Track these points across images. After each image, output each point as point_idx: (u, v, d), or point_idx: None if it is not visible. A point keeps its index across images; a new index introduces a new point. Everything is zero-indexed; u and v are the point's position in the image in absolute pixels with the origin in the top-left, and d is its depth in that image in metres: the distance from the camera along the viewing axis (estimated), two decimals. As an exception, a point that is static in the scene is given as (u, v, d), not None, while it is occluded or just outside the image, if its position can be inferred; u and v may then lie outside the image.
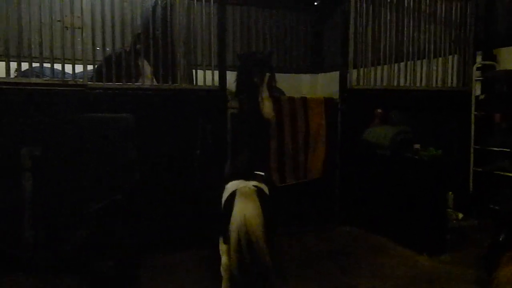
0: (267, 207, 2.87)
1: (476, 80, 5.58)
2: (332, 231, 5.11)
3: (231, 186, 2.95)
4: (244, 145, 3.48)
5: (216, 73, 4.63)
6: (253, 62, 3.56)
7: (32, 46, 3.99)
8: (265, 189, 2.98)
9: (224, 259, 2.94)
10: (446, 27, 5.55)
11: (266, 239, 2.77)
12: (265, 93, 3.43)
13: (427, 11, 5.47)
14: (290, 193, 4.91)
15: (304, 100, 5.05)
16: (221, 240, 2.99)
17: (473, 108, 5.51)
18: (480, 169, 5.43)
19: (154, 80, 4.53)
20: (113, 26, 4.28)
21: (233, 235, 2.75)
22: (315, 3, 8.37)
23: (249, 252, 2.73)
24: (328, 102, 5.17)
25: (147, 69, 4.47)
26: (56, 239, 3.89)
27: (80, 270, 3.76)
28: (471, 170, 5.53)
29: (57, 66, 4.21)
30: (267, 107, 3.40)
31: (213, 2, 4.57)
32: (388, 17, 5.27)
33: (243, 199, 2.80)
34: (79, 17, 4.15)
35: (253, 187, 2.90)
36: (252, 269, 2.77)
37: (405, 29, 5.38)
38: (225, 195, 2.93)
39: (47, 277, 3.80)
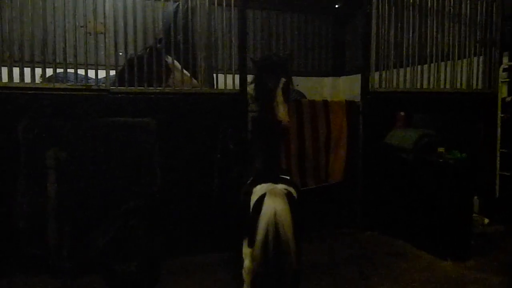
0: (296, 210, 2.84)
1: (502, 82, 5.45)
2: (353, 235, 5.05)
3: (260, 189, 2.92)
4: (259, 150, 3.49)
5: (237, 77, 4.63)
6: (268, 66, 3.53)
7: (57, 52, 4.07)
8: (294, 192, 2.97)
9: (247, 262, 2.91)
10: (470, 27, 5.43)
11: (295, 239, 2.74)
12: (279, 98, 3.38)
13: (451, 11, 5.37)
14: (311, 197, 4.87)
15: (325, 103, 5.02)
16: (245, 243, 2.96)
17: (499, 111, 5.37)
18: (507, 173, 5.29)
19: (186, 72, 4.53)
20: (135, 31, 4.33)
21: (261, 231, 2.69)
22: (336, 6, 8.31)
23: (275, 249, 2.67)
24: (349, 105, 5.12)
25: (177, 64, 4.48)
26: (79, 241, 3.94)
27: (102, 272, 3.82)
28: (497, 174, 5.39)
29: (81, 72, 4.30)
30: (281, 113, 3.35)
31: (234, 7, 4.58)
32: (411, 18, 5.19)
33: (273, 198, 2.77)
34: (102, 23, 4.21)
35: (283, 189, 2.88)
36: (277, 269, 2.73)
37: (428, 30, 5.28)
38: (254, 198, 2.91)
39: (69, 279, 3.86)
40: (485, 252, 4.44)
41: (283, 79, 3.42)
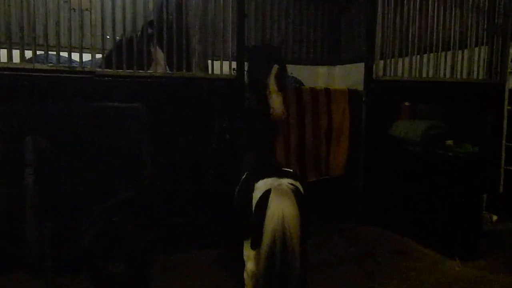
0: (303, 208, 2.57)
1: (510, 72, 5.22)
2: (354, 231, 4.83)
3: (263, 184, 2.65)
4: (252, 141, 3.26)
5: (234, 63, 4.30)
6: (260, 53, 3.27)
7: (37, 31, 3.68)
8: (300, 188, 2.69)
9: (250, 265, 2.65)
10: (480, 15, 5.17)
11: (303, 244, 2.48)
12: (272, 87, 3.12)
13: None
14: (310, 190, 4.60)
15: (327, 91, 4.74)
16: (246, 244, 2.69)
17: (506, 102, 5.15)
18: (512, 168, 5.09)
19: (167, 68, 4.23)
20: (124, 10, 3.98)
21: (267, 238, 2.45)
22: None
23: (282, 257, 2.43)
24: (352, 94, 4.85)
25: (160, 56, 4.16)
26: (62, 237, 3.63)
27: (88, 271, 3.54)
28: (502, 169, 5.18)
29: (64, 54, 3.92)
30: (275, 102, 3.11)
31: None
32: (418, 3, 4.90)
33: (280, 198, 2.50)
34: (88, -2, 3.86)
35: (290, 185, 2.60)
36: (282, 277, 2.46)
37: (436, 16, 5.01)
38: (257, 195, 2.63)
39: (52, 278, 3.56)
40: (495, 251, 4.25)
41: (276, 66, 3.17)
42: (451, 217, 4.13)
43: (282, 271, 2.44)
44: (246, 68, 4.17)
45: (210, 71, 4.50)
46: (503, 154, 5.18)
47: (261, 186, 2.65)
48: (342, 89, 4.90)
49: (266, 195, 2.56)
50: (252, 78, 3.37)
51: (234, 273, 3.00)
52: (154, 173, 3.96)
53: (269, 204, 2.49)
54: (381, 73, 4.82)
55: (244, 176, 3.03)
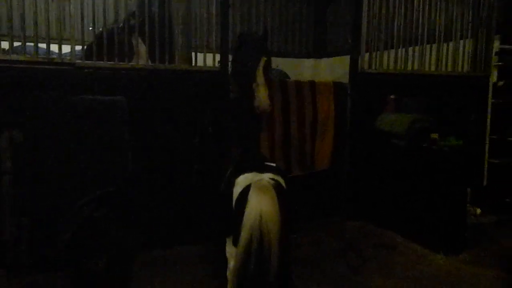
0: (285, 203, 2.51)
1: (494, 65, 5.22)
2: (339, 225, 4.78)
3: (243, 180, 2.58)
4: (237, 134, 3.19)
5: (217, 54, 4.22)
6: (250, 43, 3.20)
7: (13, 22, 3.55)
8: (282, 182, 2.63)
9: (232, 263, 2.59)
10: (465, 7, 5.16)
11: (283, 241, 2.42)
12: (260, 79, 3.07)
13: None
14: (295, 184, 4.56)
15: (312, 84, 4.67)
16: (229, 241, 2.63)
17: (490, 95, 5.16)
18: (496, 161, 5.10)
19: (149, 60, 4.14)
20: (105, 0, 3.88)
21: (244, 235, 2.38)
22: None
23: (257, 254, 2.37)
24: (337, 87, 4.79)
25: (142, 48, 4.07)
26: (41, 234, 3.53)
27: (67, 269, 3.42)
28: (486, 162, 5.20)
29: (42, 46, 3.79)
30: (262, 95, 3.04)
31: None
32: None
33: (259, 193, 2.44)
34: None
35: (270, 180, 2.54)
36: (258, 274, 2.41)
37: (421, 9, 4.98)
38: (237, 190, 2.57)
39: (30, 276, 3.47)
40: (479, 244, 4.26)
41: (264, 58, 3.11)
42: (435, 210, 4.12)
43: (258, 269, 2.39)
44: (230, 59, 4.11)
45: (193, 63, 4.44)
46: (487, 146, 5.20)
47: (241, 181, 2.59)
48: (327, 82, 4.84)
49: (246, 191, 2.50)
50: (239, 69, 3.30)
51: (218, 270, 2.95)
52: (136, 168, 3.86)
53: (248, 200, 2.44)
54: (366, 66, 4.79)
55: (229, 171, 2.97)
